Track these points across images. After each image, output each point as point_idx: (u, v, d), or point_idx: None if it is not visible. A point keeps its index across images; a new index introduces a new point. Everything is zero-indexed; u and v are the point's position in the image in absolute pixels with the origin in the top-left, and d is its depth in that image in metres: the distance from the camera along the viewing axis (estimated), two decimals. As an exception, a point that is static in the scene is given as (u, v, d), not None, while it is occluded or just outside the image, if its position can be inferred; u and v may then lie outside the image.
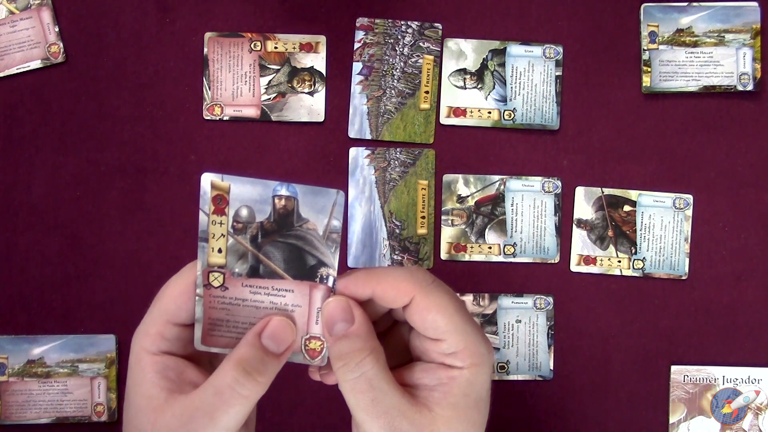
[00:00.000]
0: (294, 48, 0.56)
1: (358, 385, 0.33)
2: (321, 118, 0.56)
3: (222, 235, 0.33)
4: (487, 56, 0.57)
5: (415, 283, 0.33)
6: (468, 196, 0.57)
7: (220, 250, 0.33)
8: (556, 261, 0.57)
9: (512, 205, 0.57)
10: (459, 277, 0.57)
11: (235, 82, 0.56)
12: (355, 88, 0.57)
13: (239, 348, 0.33)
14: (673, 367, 0.56)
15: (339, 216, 0.33)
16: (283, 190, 0.33)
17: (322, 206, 0.33)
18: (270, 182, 0.33)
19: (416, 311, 0.33)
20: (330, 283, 0.34)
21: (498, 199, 0.57)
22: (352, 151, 0.57)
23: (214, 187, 0.32)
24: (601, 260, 0.57)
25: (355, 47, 0.57)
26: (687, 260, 0.57)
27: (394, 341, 0.37)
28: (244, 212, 0.33)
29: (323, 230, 0.33)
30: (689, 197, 0.57)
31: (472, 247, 0.57)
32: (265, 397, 0.57)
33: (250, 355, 0.32)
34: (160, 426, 0.32)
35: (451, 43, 0.57)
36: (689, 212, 0.57)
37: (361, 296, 0.34)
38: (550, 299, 0.57)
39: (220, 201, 0.33)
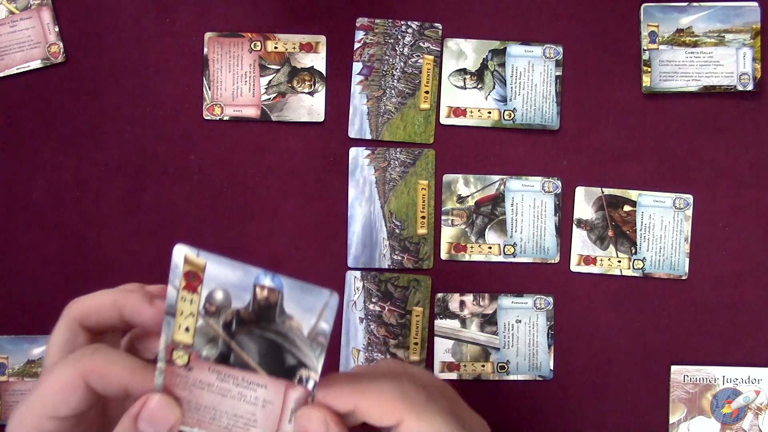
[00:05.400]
0: (294, 48, 0.56)
1: None
2: (321, 118, 0.56)
3: (191, 314, 0.29)
4: (487, 56, 0.57)
5: (406, 402, 0.29)
6: (468, 196, 0.57)
7: (187, 329, 0.29)
8: (556, 261, 0.57)
9: (512, 205, 0.57)
10: (459, 277, 0.57)
11: (235, 82, 0.56)
12: (355, 88, 0.57)
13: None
14: (673, 367, 0.57)
15: (329, 319, 0.29)
16: (267, 281, 0.29)
17: (310, 305, 0.29)
18: (253, 269, 0.29)
19: None
20: (310, 386, 0.30)
21: (498, 199, 0.57)
22: (352, 151, 0.57)
23: (187, 262, 0.29)
24: (601, 260, 0.57)
25: (355, 47, 0.57)
26: (687, 260, 0.57)
27: None
28: (218, 295, 0.29)
29: (309, 331, 0.29)
30: (689, 197, 0.57)
31: (472, 247, 0.57)
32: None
33: None
34: None
35: (451, 43, 0.57)
36: (689, 212, 0.57)
37: (342, 410, 0.30)
38: (550, 299, 0.57)
39: (193, 278, 0.29)
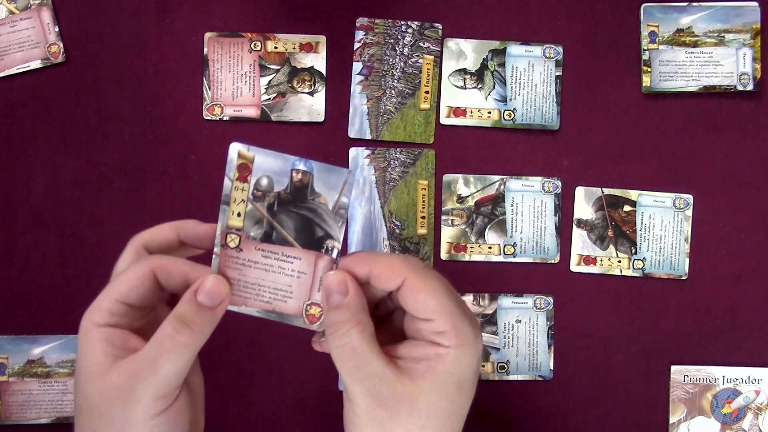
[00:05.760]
0: (294, 48, 0.56)
1: (344, 351, 0.35)
2: (321, 118, 0.56)
3: (242, 200, 0.36)
4: (487, 56, 0.57)
5: (408, 265, 0.36)
6: (468, 196, 0.57)
7: (239, 214, 0.36)
8: (556, 261, 0.57)
9: (512, 205, 0.57)
10: (459, 277, 0.57)
11: (235, 82, 0.56)
12: (355, 88, 0.57)
13: (178, 306, 0.35)
14: (673, 367, 0.57)
15: (348, 194, 0.36)
16: (301, 165, 0.36)
17: (333, 183, 0.36)
18: (290, 157, 0.36)
19: (408, 291, 0.35)
20: (334, 254, 0.36)
21: (498, 199, 0.57)
22: (352, 151, 0.57)
23: (240, 156, 0.35)
24: (601, 260, 0.57)
25: (355, 47, 0.57)
26: (687, 260, 0.57)
27: (392, 328, 0.39)
28: (264, 182, 0.36)
29: (333, 205, 0.36)
30: (689, 197, 0.57)
31: (472, 247, 0.57)
32: (266, 396, 0.57)
33: (187, 309, 0.35)
34: (108, 387, 0.34)
35: (451, 43, 0.57)
36: (689, 212, 0.57)
37: (359, 273, 0.36)
38: (550, 299, 0.57)
39: (244, 169, 0.35)
